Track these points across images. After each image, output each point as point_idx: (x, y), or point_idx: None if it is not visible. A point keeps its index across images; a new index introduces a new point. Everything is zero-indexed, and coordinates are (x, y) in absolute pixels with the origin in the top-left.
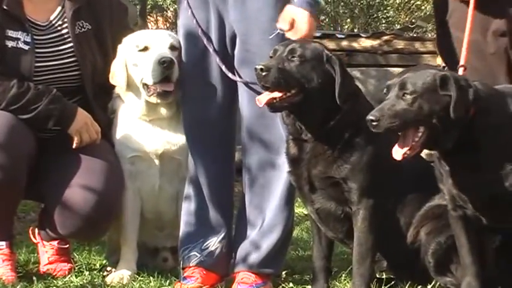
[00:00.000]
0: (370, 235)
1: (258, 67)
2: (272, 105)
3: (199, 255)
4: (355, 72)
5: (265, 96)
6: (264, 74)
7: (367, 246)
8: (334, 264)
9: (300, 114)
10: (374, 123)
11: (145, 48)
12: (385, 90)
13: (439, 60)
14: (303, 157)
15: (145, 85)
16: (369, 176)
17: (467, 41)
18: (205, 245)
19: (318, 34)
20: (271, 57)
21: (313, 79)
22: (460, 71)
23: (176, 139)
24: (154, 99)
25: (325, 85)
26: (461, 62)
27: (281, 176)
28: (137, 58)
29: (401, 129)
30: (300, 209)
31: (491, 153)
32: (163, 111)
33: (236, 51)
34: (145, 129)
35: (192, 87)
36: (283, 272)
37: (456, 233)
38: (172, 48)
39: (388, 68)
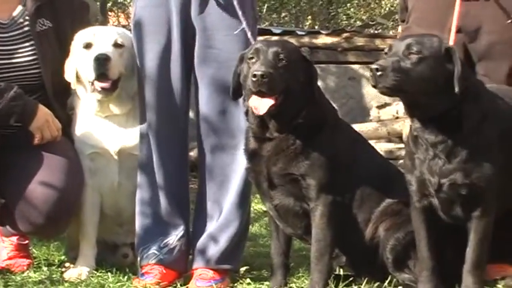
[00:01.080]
0: (328, 231)
1: (258, 73)
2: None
3: (158, 253)
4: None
5: (265, 104)
6: (265, 80)
7: (326, 242)
8: (293, 260)
9: (276, 114)
10: (379, 73)
11: (89, 45)
12: (386, 50)
13: None
14: (263, 154)
15: (89, 81)
16: (327, 173)
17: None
18: (164, 242)
19: (278, 31)
20: (250, 58)
21: (298, 80)
22: None
23: (134, 135)
24: (96, 96)
25: (304, 84)
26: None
27: (239, 172)
28: (82, 55)
29: (402, 88)
30: (258, 206)
31: (468, 140)
32: (113, 108)
33: (197, 48)
34: (102, 126)
35: (152, 83)
36: (242, 268)
37: (416, 226)
38: (117, 45)
39: (348, 65)
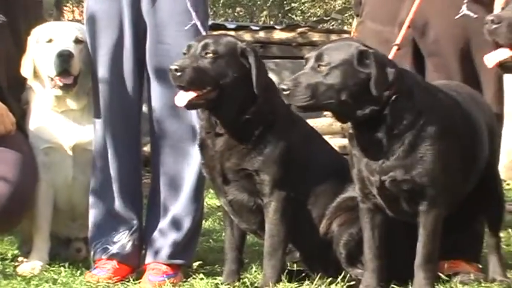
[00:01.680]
0: (281, 227)
1: (173, 67)
2: (189, 104)
3: (111, 248)
4: (270, 64)
5: (184, 97)
6: (178, 74)
7: (279, 237)
8: (246, 255)
9: (215, 109)
10: (286, 93)
11: (50, 41)
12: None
13: None
14: (216, 150)
15: (49, 77)
16: (281, 169)
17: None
18: (117, 237)
19: (232, 26)
20: (184, 53)
21: (229, 74)
22: (394, 50)
23: (89, 130)
24: (56, 92)
25: (241, 78)
26: (397, 41)
27: (192, 167)
28: (42, 50)
29: (314, 106)
30: (212, 201)
31: (400, 138)
32: (70, 103)
33: (148, 44)
34: (57, 121)
35: (104, 77)
36: (195, 263)
37: (362, 226)
38: (77, 41)
39: (303, 60)
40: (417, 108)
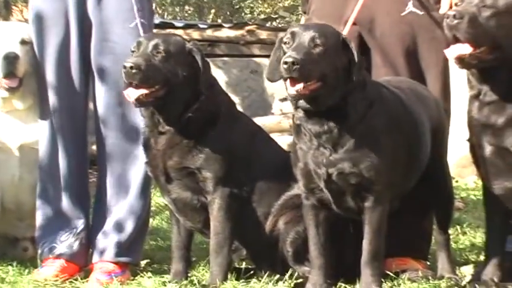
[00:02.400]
0: (226, 224)
1: (128, 65)
2: (139, 101)
3: (58, 247)
4: (218, 62)
5: (135, 92)
6: (134, 71)
7: (224, 235)
8: (194, 253)
9: (162, 107)
10: (295, 66)
11: None
12: (287, 37)
13: None
14: (158, 148)
15: None
16: (224, 166)
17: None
18: (64, 236)
19: (181, 24)
20: (132, 51)
21: (178, 73)
22: None
23: (35, 130)
24: (2, 94)
25: (188, 77)
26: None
27: (138, 165)
28: None
29: (308, 78)
30: (160, 199)
31: (355, 128)
32: (16, 103)
33: (93, 41)
34: (3, 121)
35: (52, 76)
36: (142, 262)
37: (306, 223)
38: (23, 42)
39: (251, 58)
40: (369, 99)
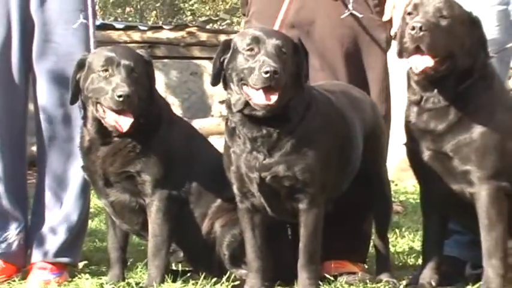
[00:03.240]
0: (164, 226)
1: (125, 94)
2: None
3: None
4: (158, 64)
5: (127, 122)
6: (125, 100)
7: (162, 237)
8: (132, 255)
9: None
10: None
11: None
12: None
13: None
14: (98, 155)
15: None
16: (162, 169)
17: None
18: (2, 237)
19: (121, 26)
20: (105, 69)
21: (144, 91)
22: None
23: None
24: None
25: (146, 89)
26: None
27: (77, 166)
28: None
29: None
30: (99, 201)
31: (294, 131)
32: None
33: (35, 42)
34: None
35: None
36: (80, 263)
37: (242, 227)
38: None
39: (191, 60)
40: (306, 101)
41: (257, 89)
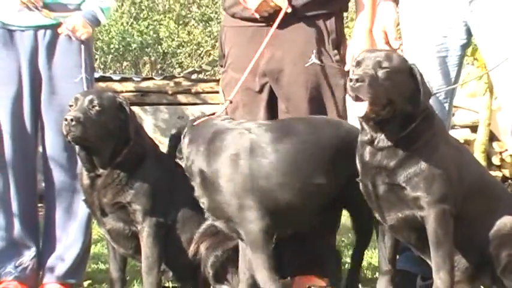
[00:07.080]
0: (155, 249)
1: (68, 118)
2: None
3: (13, 271)
4: (148, 109)
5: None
6: (73, 124)
7: (153, 258)
8: (129, 274)
9: (96, 153)
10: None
11: None
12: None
13: (221, 98)
14: (94, 188)
15: None
16: (150, 199)
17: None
18: (18, 262)
19: (118, 78)
20: (71, 105)
21: (109, 125)
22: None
23: None
24: None
25: (118, 127)
26: (230, 97)
27: (80, 200)
28: None
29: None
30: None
31: None
32: None
33: (43, 95)
34: None
35: (6, 125)
36: (85, 282)
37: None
38: None
39: (178, 106)
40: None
41: None
